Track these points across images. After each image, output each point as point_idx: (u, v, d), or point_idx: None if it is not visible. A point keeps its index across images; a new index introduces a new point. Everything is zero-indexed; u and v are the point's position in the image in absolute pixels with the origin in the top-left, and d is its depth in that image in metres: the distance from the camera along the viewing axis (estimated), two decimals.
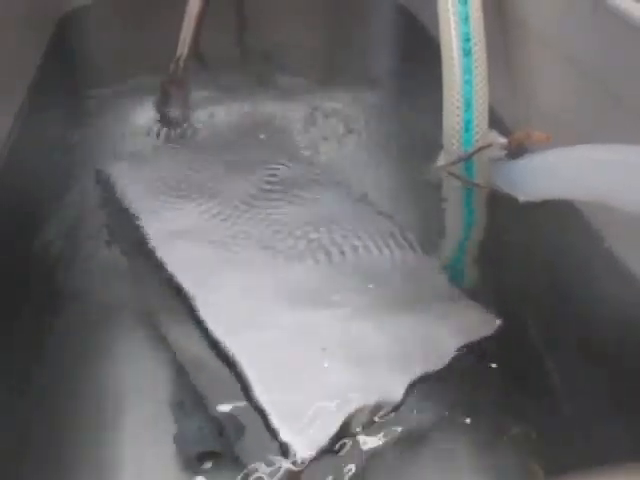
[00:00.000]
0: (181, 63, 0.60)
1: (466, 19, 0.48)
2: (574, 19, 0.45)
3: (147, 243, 0.37)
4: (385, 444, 0.32)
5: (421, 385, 0.32)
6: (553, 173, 0.41)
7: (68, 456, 0.32)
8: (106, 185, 0.42)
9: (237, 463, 0.31)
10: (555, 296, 0.41)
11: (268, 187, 0.43)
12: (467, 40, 0.49)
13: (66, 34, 0.68)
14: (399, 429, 0.32)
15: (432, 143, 0.53)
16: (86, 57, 0.68)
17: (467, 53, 0.49)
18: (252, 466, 0.29)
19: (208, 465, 0.32)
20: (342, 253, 0.38)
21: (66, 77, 0.64)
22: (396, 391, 0.30)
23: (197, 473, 0.32)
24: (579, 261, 0.43)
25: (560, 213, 0.45)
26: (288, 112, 0.57)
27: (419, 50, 0.66)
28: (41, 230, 0.45)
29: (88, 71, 0.66)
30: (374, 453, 0.32)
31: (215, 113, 0.58)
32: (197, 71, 0.61)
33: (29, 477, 0.32)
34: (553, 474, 0.31)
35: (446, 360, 0.32)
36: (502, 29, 0.53)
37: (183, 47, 0.61)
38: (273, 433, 0.28)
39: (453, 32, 0.49)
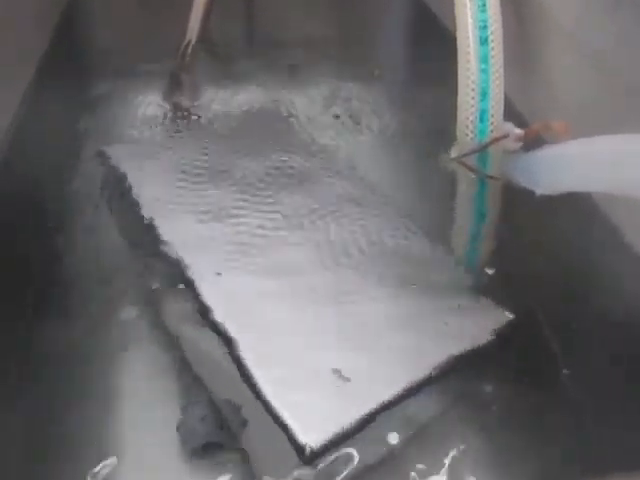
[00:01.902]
0: (190, 49, 0.59)
1: (483, 6, 0.47)
2: (594, 9, 0.44)
3: (149, 225, 0.37)
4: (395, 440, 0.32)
5: (432, 379, 0.31)
6: (571, 165, 0.40)
7: (71, 444, 0.32)
8: (108, 166, 0.41)
9: (242, 454, 0.30)
10: (572, 292, 0.40)
11: (276, 174, 0.42)
12: (484, 28, 0.48)
13: (73, 19, 0.67)
14: (408, 425, 0.32)
15: (445, 134, 0.52)
16: (93, 42, 0.67)
17: (484, 41, 0.48)
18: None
19: (212, 456, 0.31)
20: (353, 246, 0.37)
21: (73, 62, 0.63)
22: (408, 386, 0.30)
23: (201, 464, 0.31)
24: (597, 256, 0.42)
25: (578, 207, 0.44)
26: (298, 100, 0.56)
27: (431, 39, 0.66)
28: (45, 212, 0.45)
29: (95, 56, 0.66)
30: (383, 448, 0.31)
31: (223, 100, 0.57)
32: (205, 57, 0.61)
33: (30, 461, 0.31)
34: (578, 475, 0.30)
35: (458, 355, 0.32)
36: (520, 17, 0.52)
37: (192, 33, 0.60)
38: (280, 424, 0.27)
39: (470, 19, 0.48)
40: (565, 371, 0.33)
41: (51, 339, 0.37)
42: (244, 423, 0.30)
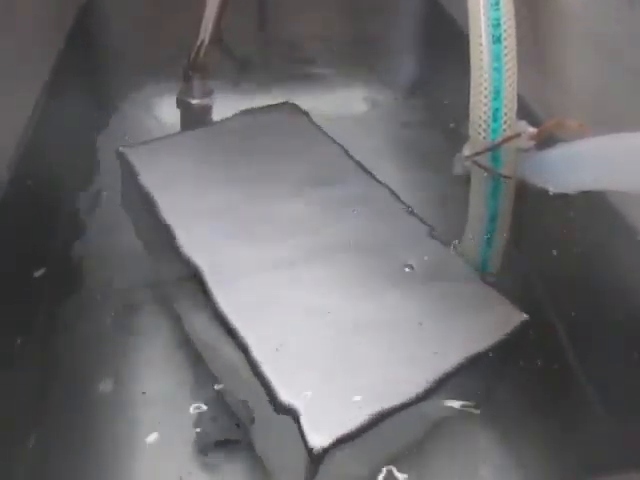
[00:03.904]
0: (203, 49, 0.59)
1: (496, 4, 0.47)
2: (608, 6, 0.44)
3: (164, 225, 0.37)
4: (407, 439, 0.32)
5: (446, 379, 0.31)
6: (585, 163, 0.40)
7: (84, 440, 0.32)
8: (125, 167, 0.41)
9: (252, 451, 0.31)
10: (587, 291, 0.40)
11: (291, 175, 0.42)
12: (497, 26, 0.47)
13: (89, 18, 0.67)
14: (421, 425, 0.32)
15: (458, 133, 0.51)
16: (108, 42, 0.68)
17: (497, 40, 0.48)
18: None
19: (223, 453, 0.32)
20: (364, 245, 0.37)
21: (88, 61, 0.64)
22: (420, 386, 0.29)
23: (214, 460, 0.31)
24: (611, 255, 0.41)
25: (592, 205, 0.43)
26: (311, 100, 0.56)
27: (446, 39, 0.65)
28: (61, 212, 0.45)
29: (110, 55, 0.66)
30: (395, 448, 0.31)
31: (237, 100, 0.57)
32: (219, 58, 0.61)
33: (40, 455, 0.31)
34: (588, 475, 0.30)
35: (472, 355, 0.31)
36: (533, 15, 0.52)
37: (205, 34, 0.60)
38: (289, 423, 0.27)
39: (482, 17, 0.47)
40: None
41: (66, 329, 0.37)
42: (252, 420, 0.30)
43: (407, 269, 0.35)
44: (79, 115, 0.54)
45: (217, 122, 0.49)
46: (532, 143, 0.48)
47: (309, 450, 0.26)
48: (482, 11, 0.47)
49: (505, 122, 0.49)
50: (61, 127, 0.51)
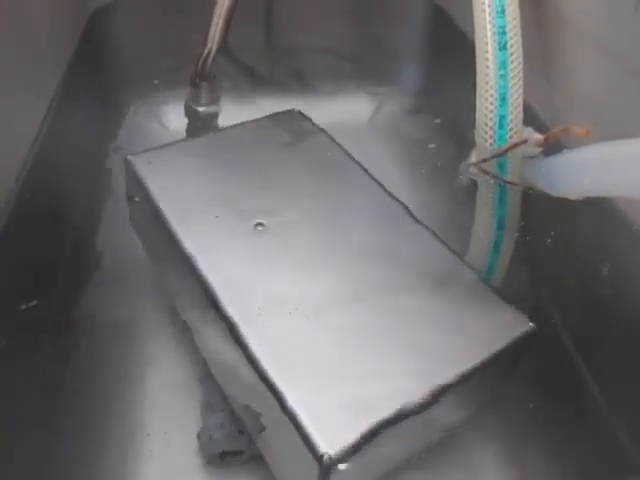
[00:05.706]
0: (210, 58, 0.60)
1: (502, 12, 0.47)
2: (613, 11, 0.44)
3: (170, 234, 0.37)
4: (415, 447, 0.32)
5: (450, 386, 0.31)
6: (592, 169, 0.40)
7: (94, 448, 0.32)
8: (132, 176, 0.41)
9: (260, 461, 0.31)
10: (594, 298, 0.40)
11: (300, 182, 0.42)
12: (503, 33, 0.47)
13: (98, 28, 0.68)
14: (429, 432, 0.32)
15: (464, 140, 0.52)
16: (117, 51, 0.68)
17: (502, 47, 0.48)
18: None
19: (231, 463, 0.32)
20: (369, 251, 0.37)
21: (97, 71, 0.64)
22: (423, 394, 0.29)
23: (220, 471, 0.31)
24: (619, 262, 0.41)
25: (599, 211, 0.43)
26: (318, 110, 0.57)
27: (451, 47, 0.65)
28: (70, 219, 0.45)
29: (119, 65, 0.67)
30: (404, 455, 0.31)
31: (243, 107, 0.58)
32: (226, 66, 0.61)
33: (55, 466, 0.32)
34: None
35: (477, 363, 0.31)
36: (539, 22, 0.52)
37: (212, 42, 0.60)
38: (298, 430, 0.28)
39: (488, 25, 0.47)
40: None
41: (73, 341, 0.38)
42: (262, 429, 0.30)
43: (411, 275, 0.35)
44: (88, 126, 0.54)
45: (223, 129, 0.49)
46: (539, 150, 0.48)
47: (319, 459, 0.27)
48: (488, 19, 0.48)
49: (511, 129, 0.49)
50: (70, 138, 0.51)
